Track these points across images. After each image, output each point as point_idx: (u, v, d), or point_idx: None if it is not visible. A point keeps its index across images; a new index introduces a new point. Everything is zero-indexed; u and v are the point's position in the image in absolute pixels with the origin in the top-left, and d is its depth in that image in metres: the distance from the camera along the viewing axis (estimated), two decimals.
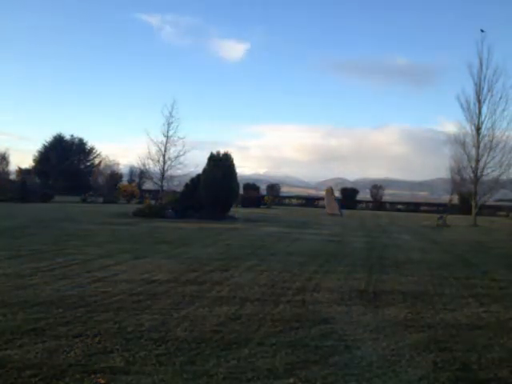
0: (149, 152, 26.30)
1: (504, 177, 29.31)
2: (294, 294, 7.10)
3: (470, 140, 29.46)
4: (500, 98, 28.37)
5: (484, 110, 28.92)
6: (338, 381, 3.93)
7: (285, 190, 64.34)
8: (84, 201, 38.61)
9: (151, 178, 28.24)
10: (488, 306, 6.84)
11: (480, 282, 8.91)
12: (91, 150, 62.41)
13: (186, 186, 25.30)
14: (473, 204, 29.61)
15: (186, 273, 8.57)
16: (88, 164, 61.60)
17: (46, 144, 59.41)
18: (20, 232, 14.25)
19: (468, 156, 29.45)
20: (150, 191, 45.32)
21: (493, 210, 44.47)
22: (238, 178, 26.63)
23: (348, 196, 51.41)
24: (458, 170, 30.46)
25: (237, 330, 5.20)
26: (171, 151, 26.44)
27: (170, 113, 26.50)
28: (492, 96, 28.68)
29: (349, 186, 67.33)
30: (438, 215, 30.33)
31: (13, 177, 44.85)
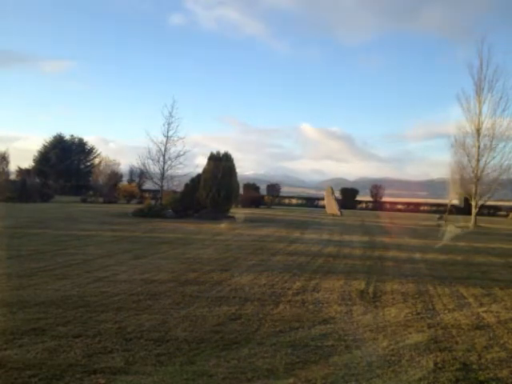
0: (149, 152, 26.27)
1: (504, 177, 29.29)
2: (294, 294, 7.11)
3: (470, 140, 29.46)
4: (500, 98, 28.36)
5: (484, 110, 28.92)
6: (337, 381, 3.93)
7: (285, 190, 64.22)
8: (84, 201, 38.58)
9: (151, 178, 28.13)
10: (488, 306, 6.85)
11: (480, 281, 8.92)
12: (91, 149, 62.44)
13: (186, 186, 25.28)
14: (473, 204, 29.60)
15: (186, 273, 8.58)
16: (88, 164, 61.58)
17: (46, 144, 59.43)
18: (20, 232, 14.25)
19: (468, 156, 29.45)
20: (149, 191, 45.29)
21: (493, 210, 44.47)
22: (238, 178, 26.60)
23: (348, 196, 51.39)
24: (458, 170, 30.48)
25: (237, 330, 5.20)
26: (171, 151, 26.42)
27: (170, 113, 26.46)
28: (492, 96, 28.67)
29: (349, 186, 67.19)
30: (438, 215, 30.35)
31: (13, 177, 44.74)
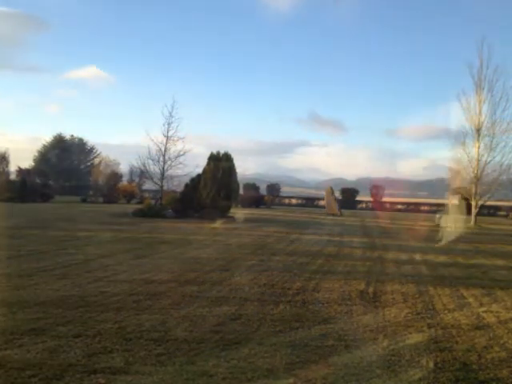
0: (149, 152, 26.28)
1: (504, 177, 29.32)
2: (294, 294, 7.10)
3: (470, 140, 29.49)
4: (500, 98, 28.40)
5: (484, 110, 28.95)
6: (337, 381, 3.93)
7: (285, 190, 64.23)
8: (84, 201, 38.60)
9: (151, 178, 28.13)
10: (488, 306, 6.85)
11: (480, 282, 8.92)
12: (91, 149, 62.50)
13: (186, 186, 25.30)
14: (473, 204, 29.60)
15: (186, 273, 8.57)
16: (88, 164, 61.62)
17: (46, 144, 59.47)
18: (20, 232, 14.24)
19: (468, 156, 29.48)
20: (149, 191, 45.27)
21: (493, 210, 44.44)
22: (238, 178, 26.63)
23: (348, 196, 51.39)
24: (458, 170, 30.49)
25: (237, 330, 5.20)
26: (171, 151, 26.43)
27: (170, 113, 26.48)
28: (492, 96, 28.71)
29: (349, 186, 67.15)
30: (438, 215, 30.30)
31: (13, 177, 44.76)
